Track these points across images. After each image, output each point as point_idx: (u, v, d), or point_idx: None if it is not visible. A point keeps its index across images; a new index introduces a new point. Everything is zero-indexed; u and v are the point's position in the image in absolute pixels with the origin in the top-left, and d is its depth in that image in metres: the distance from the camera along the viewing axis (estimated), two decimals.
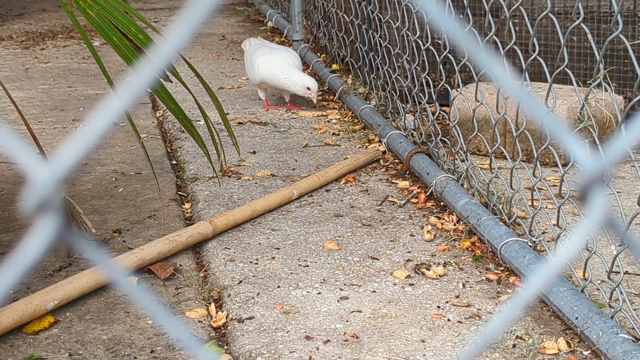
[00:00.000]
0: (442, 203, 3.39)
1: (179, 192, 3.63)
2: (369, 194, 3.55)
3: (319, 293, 2.71)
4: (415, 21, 3.77)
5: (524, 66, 2.80)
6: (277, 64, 4.60)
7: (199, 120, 4.26)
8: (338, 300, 2.66)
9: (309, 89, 4.56)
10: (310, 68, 5.47)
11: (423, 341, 2.42)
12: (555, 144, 2.91)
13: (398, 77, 4.18)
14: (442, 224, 3.21)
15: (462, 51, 3.31)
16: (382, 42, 4.35)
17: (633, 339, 2.26)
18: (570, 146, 0.53)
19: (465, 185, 3.37)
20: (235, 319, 2.56)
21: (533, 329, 2.47)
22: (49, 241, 0.45)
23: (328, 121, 4.58)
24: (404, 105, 4.17)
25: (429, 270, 2.85)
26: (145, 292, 0.58)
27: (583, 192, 0.49)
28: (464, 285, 2.76)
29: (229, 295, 2.70)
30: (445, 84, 3.57)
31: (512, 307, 0.60)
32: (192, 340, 0.63)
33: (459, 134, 3.46)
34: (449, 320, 2.54)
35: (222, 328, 2.55)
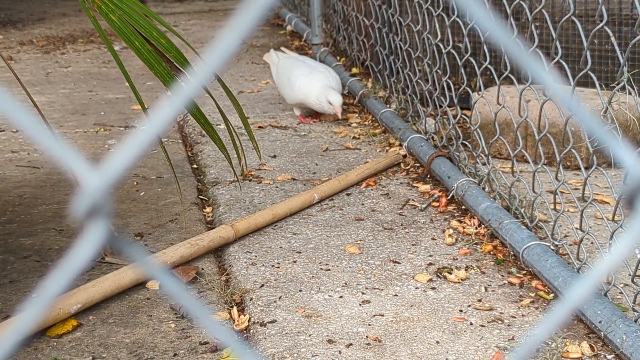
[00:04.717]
0: (463, 207, 3.38)
1: (200, 196, 3.64)
2: (389, 198, 3.55)
3: (341, 297, 2.71)
4: (436, 24, 3.76)
5: (546, 69, 2.79)
6: (315, 87, 4.48)
7: (220, 124, 4.27)
8: (360, 304, 2.66)
9: (330, 103, 4.44)
10: None
11: (445, 345, 2.42)
12: (578, 147, 2.90)
13: (419, 80, 4.18)
14: (463, 227, 3.20)
15: (484, 54, 3.30)
16: (402, 45, 4.35)
17: None
18: (618, 152, 0.53)
19: (486, 189, 3.36)
20: (258, 322, 2.56)
21: (556, 333, 2.46)
22: (99, 247, 0.45)
23: (348, 125, 4.59)
24: (424, 109, 4.17)
25: (451, 274, 2.84)
26: (182, 289, 0.58)
27: (631, 198, 0.49)
28: (486, 289, 2.75)
29: (251, 299, 2.70)
30: (466, 87, 3.56)
31: (551, 322, 0.60)
32: (229, 334, 0.63)
33: (480, 138, 3.45)
34: (471, 324, 2.54)
35: (245, 332, 2.55)
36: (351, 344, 2.42)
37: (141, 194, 3.64)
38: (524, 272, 2.85)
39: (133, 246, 0.50)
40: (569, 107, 0.53)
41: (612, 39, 2.31)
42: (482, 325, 2.53)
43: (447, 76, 3.70)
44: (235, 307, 2.67)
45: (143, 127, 0.48)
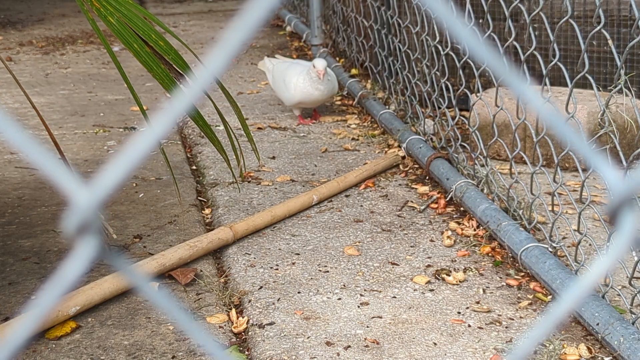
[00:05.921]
0: (462, 208, 3.38)
1: (199, 198, 3.64)
2: (388, 199, 3.55)
3: (339, 299, 2.71)
4: (435, 26, 3.77)
5: (544, 71, 2.79)
6: (301, 70, 4.50)
7: (219, 126, 4.27)
8: (358, 306, 2.66)
9: (314, 66, 4.43)
10: None
11: (443, 347, 2.42)
12: (576, 150, 2.90)
13: (417, 81, 4.18)
14: (462, 229, 3.21)
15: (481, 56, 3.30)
16: (401, 46, 4.35)
17: None
18: (600, 168, 0.53)
19: (485, 191, 3.36)
20: (256, 324, 2.57)
21: (554, 335, 2.46)
22: (89, 263, 0.46)
23: (347, 126, 4.59)
24: (423, 110, 4.17)
25: (449, 275, 2.85)
26: (167, 297, 0.58)
27: (613, 213, 0.49)
28: (484, 290, 2.76)
29: (250, 301, 2.71)
30: (464, 89, 3.56)
31: (544, 326, 0.60)
32: (215, 345, 0.63)
33: (478, 139, 3.45)
34: (469, 326, 2.54)
35: (243, 333, 2.56)
36: (349, 346, 2.43)
37: (140, 195, 3.65)
38: (522, 273, 2.86)
39: (123, 260, 0.50)
40: (553, 123, 0.53)
41: (610, 42, 2.31)
42: (480, 327, 2.53)
43: (446, 78, 3.70)
44: (233, 309, 2.68)
45: (137, 140, 0.48)
